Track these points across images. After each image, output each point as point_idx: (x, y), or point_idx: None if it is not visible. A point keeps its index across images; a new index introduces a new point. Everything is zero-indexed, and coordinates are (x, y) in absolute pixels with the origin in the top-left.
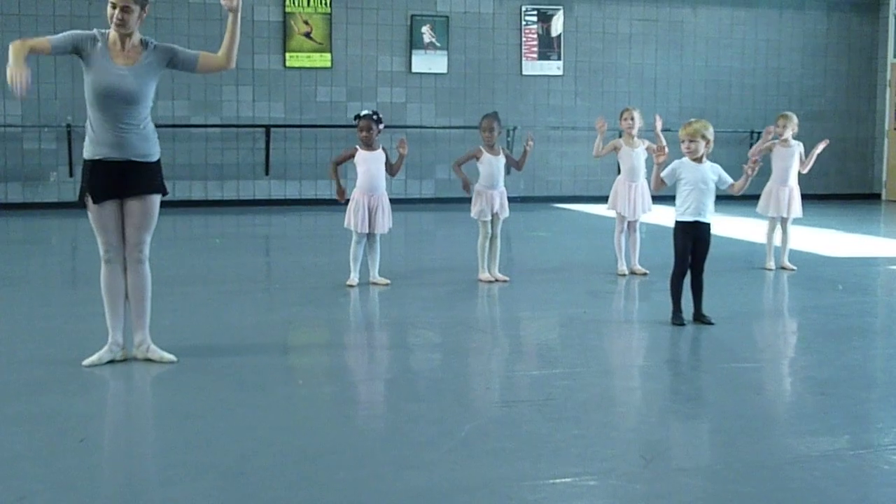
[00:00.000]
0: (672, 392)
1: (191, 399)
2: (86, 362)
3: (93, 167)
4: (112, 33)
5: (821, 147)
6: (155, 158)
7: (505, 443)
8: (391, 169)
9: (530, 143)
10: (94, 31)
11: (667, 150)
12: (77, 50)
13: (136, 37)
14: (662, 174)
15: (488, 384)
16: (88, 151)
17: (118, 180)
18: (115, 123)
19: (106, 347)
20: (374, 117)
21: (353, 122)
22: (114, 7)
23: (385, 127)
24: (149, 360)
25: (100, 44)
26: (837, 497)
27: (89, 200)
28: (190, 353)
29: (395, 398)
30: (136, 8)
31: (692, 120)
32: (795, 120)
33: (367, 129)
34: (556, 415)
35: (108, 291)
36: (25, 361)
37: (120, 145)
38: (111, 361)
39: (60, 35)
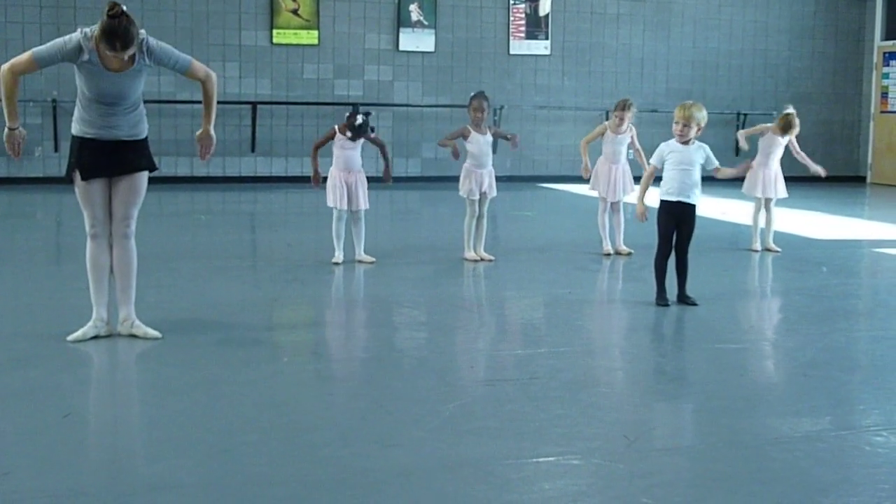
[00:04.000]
0: (656, 372)
1: (175, 375)
2: (70, 338)
3: (81, 143)
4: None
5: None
6: (143, 136)
7: (489, 421)
8: (385, 174)
9: (516, 140)
10: (79, 34)
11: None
12: (65, 60)
13: None
14: (652, 160)
15: (473, 363)
16: (78, 128)
17: (107, 158)
18: (107, 112)
19: (90, 323)
20: (371, 128)
21: (348, 121)
22: (115, 55)
23: (372, 106)
24: (133, 336)
25: (86, 54)
26: (818, 477)
27: (77, 176)
28: (175, 330)
29: (379, 376)
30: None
31: (689, 103)
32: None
33: (358, 137)
34: (540, 394)
35: (94, 267)
36: (9, 336)
37: (110, 127)
38: (96, 337)
39: (45, 48)
